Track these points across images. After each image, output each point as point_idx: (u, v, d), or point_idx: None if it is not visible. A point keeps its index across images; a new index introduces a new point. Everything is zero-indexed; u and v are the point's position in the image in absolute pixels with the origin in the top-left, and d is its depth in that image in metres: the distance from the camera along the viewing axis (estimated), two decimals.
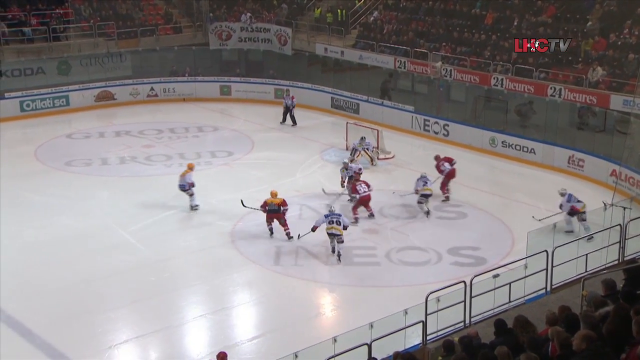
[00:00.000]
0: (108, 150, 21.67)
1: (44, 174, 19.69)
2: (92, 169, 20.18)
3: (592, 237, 12.97)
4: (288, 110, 24.52)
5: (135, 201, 17.75)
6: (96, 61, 26.98)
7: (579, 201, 15.41)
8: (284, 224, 15.60)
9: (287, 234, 15.57)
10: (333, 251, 14.76)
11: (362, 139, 20.41)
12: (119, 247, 15.23)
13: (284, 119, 24.57)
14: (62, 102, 25.80)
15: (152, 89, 27.44)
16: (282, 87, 27.14)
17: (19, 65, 25.48)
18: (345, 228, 14.75)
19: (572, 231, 15.09)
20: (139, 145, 22.18)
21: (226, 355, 10.12)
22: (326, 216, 14.92)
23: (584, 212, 15.20)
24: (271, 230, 15.76)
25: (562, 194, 15.58)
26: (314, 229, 14.93)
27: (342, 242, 14.64)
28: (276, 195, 15.77)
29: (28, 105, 25.04)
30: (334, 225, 14.61)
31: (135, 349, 12.02)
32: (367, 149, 20.39)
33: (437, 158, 18.18)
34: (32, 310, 12.70)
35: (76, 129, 24.05)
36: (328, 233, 14.71)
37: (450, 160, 18.04)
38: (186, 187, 17.11)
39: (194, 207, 17.16)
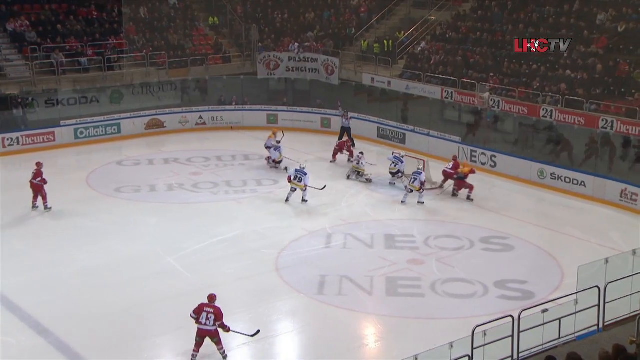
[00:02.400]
0: (157, 177, 22.03)
1: (95, 200, 20.09)
2: (140, 195, 20.56)
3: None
4: (347, 131, 24.90)
5: (182, 228, 17.97)
6: (147, 90, 27.71)
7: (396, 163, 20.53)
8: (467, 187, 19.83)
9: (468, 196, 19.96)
10: (287, 200, 19.26)
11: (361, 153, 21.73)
12: (166, 273, 15.38)
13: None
14: (114, 129, 26.49)
15: (200, 117, 27.97)
16: (328, 116, 27.36)
17: (75, 94, 26.36)
18: (305, 187, 19.00)
19: (394, 183, 20.77)
20: (186, 173, 22.52)
21: (215, 297, 11.92)
22: (296, 170, 19.26)
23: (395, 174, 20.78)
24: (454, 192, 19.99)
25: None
26: (289, 180, 19.20)
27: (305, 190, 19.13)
28: (464, 165, 20.05)
29: (82, 133, 25.77)
30: (296, 181, 19.05)
31: None
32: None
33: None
34: (80, 334, 12.87)
35: (126, 156, 24.61)
36: (292, 187, 19.09)
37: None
38: (269, 145, 22.35)
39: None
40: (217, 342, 11.87)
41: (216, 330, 11.77)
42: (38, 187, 18.59)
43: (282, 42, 29.89)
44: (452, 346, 9.46)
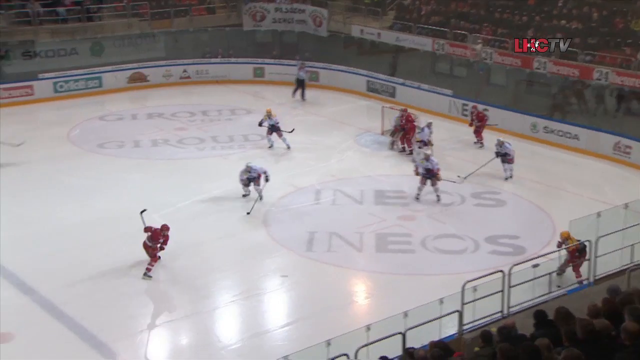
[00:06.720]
0: (141, 132, 21.55)
1: (77, 156, 19.65)
2: (124, 151, 20.11)
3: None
4: (301, 83, 24.70)
5: (167, 184, 17.60)
6: (129, 42, 26.87)
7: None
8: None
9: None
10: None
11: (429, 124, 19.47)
12: None
13: (296, 93, 24.76)
14: (95, 83, 25.76)
15: (185, 70, 27.27)
16: (315, 69, 26.80)
17: (53, 46, 25.48)
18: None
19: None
20: (171, 128, 22.03)
21: (167, 228, 13.26)
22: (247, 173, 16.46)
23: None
24: None
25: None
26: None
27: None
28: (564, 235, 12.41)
29: (61, 87, 25.05)
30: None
31: (166, 333, 11.91)
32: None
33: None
34: (64, 292, 12.61)
35: (109, 110, 24.02)
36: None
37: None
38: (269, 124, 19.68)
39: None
40: (150, 258, 13.28)
41: (147, 246, 13.27)
42: None
43: None
44: (442, 302, 9.40)
